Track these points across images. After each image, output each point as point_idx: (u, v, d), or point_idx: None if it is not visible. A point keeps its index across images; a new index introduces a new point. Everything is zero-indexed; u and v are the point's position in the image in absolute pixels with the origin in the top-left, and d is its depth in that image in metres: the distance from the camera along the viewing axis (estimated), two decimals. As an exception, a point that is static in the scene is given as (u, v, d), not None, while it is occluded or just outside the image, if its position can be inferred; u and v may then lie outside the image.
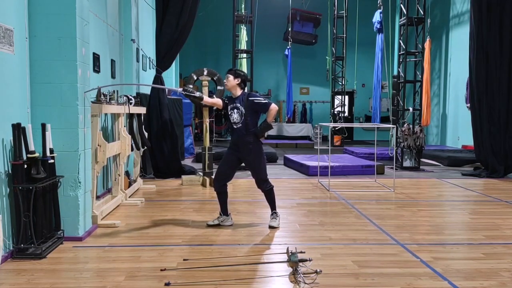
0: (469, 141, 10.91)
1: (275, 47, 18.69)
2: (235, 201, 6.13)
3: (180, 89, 4.83)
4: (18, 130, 3.81)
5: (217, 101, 5.02)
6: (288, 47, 16.32)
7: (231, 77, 4.85)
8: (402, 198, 6.78)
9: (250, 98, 4.81)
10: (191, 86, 5.02)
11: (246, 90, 5.00)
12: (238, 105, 4.80)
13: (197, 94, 4.81)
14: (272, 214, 5.02)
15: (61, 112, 4.27)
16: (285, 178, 8.31)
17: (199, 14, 8.55)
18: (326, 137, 17.40)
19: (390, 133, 10.28)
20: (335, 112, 16.13)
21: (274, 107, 4.78)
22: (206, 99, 5.04)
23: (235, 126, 4.85)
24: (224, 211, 5.02)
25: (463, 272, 3.64)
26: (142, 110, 7.22)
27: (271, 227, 4.92)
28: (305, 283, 3.33)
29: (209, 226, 4.97)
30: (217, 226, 4.97)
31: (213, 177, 7.56)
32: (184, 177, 7.77)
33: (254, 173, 4.94)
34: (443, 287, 3.36)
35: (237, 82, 4.85)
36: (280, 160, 10.82)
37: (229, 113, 4.87)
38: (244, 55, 11.05)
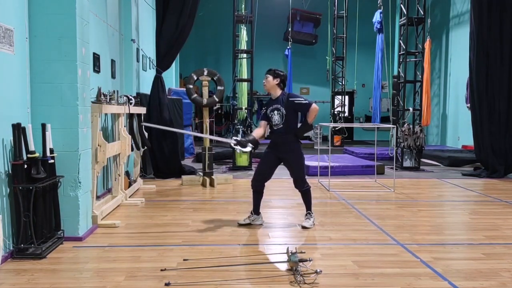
0: (469, 141, 10.90)
1: (275, 47, 18.68)
2: (235, 201, 6.13)
3: (233, 142, 4.72)
4: (18, 130, 3.81)
5: (264, 126, 4.91)
6: (288, 47, 16.31)
7: (270, 78, 4.81)
8: (402, 198, 6.78)
9: (291, 99, 4.77)
10: (244, 139, 4.84)
11: (285, 90, 4.94)
12: (279, 106, 4.76)
13: (249, 146, 4.67)
14: (306, 214, 5.01)
15: (61, 112, 4.26)
16: (285, 178, 8.28)
17: (199, 14, 8.55)
18: (326, 137, 17.40)
19: (390, 133, 10.28)
20: (335, 112, 16.13)
21: (315, 107, 4.73)
22: (259, 137, 4.87)
23: (275, 128, 4.82)
24: (256, 210, 5.02)
25: (463, 272, 3.64)
26: (142, 110, 7.21)
27: (303, 227, 4.90)
28: (305, 283, 3.33)
29: (240, 225, 4.96)
30: (217, 226, 4.96)
31: (213, 177, 7.60)
32: (184, 177, 7.78)
33: (293, 173, 4.91)
34: (443, 287, 3.36)
35: (277, 82, 4.81)
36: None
37: (269, 115, 4.82)
38: (244, 55, 11.04)
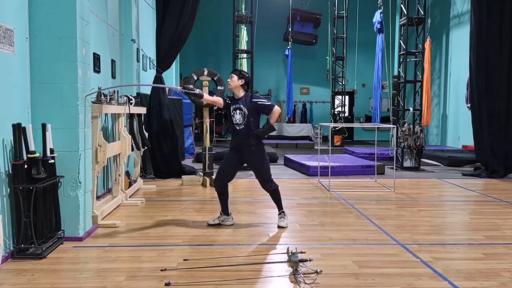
0: (470, 141, 10.90)
1: (275, 47, 18.68)
2: (235, 201, 6.13)
3: (180, 88, 4.83)
4: (18, 130, 3.81)
5: (217, 100, 4.99)
6: (288, 47, 16.32)
7: (235, 77, 4.84)
8: (402, 198, 6.78)
9: (254, 100, 4.81)
10: (191, 85, 5.03)
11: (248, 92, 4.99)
12: (241, 106, 4.79)
13: (197, 91, 4.81)
14: (279, 214, 5.02)
15: (61, 112, 4.27)
16: (285, 178, 8.30)
17: (199, 14, 8.54)
18: (326, 137, 17.40)
19: (391, 133, 10.28)
20: (335, 112, 16.13)
21: (277, 109, 4.78)
22: (207, 96, 5.02)
23: (237, 128, 4.83)
24: (225, 211, 5.03)
25: (463, 272, 3.64)
26: (142, 110, 7.22)
27: (279, 227, 4.91)
28: (306, 283, 3.33)
29: (209, 225, 4.97)
30: (218, 225, 4.97)
31: (213, 177, 7.59)
32: (184, 177, 7.77)
33: (257, 174, 4.95)
34: (443, 287, 3.36)
35: (241, 83, 4.84)
36: (280, 160, 10.83)
37: (232, 113, 4.85)
38: (244, 55, 11.05)
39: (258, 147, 4.86)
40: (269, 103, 4.85)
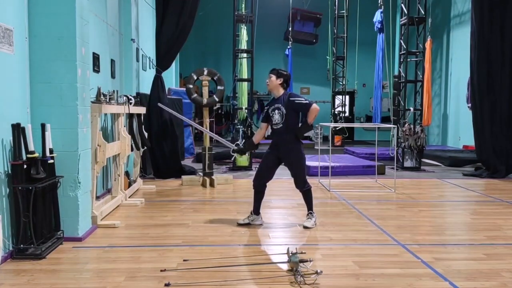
0: (470, 141, 10.88)
1: (276, 47, 18.66)
2: (235, 201, 6.12)
3: (234, 148, 5.09)
4: (17, 130, 3.80)
5: (264, 128, 5.09)
6: (288, 46, 16.29)
7: (273, 77, 4.86)
8: (403, 198, 6.76)
9: (291, 99, 4.80)
10: (239, 147, 5.26)
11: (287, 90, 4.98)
12: (280, 105, 4.79)
13: (249, 143, 4.98)
14: (307, 214, 5.01)
15: (60, 112, 4.26)
16: (286, 179, 8.27)
17: (199, 14, 8.54)
18: (326, 137, 17.37)
19: (391, 133, 10.25)
20: (336, 112, 16.11)
21: (315, 107, 4.76)
22: (256, 139, 5.12)
23: (275, 127, 4.85)
24: (256, 211, 5.02)
25: (464, 273, 3.63)
26: (142, 110, 7.20)
27: (305, 227, 4.90)
28: (306, 283, 3.32)
29: (239, 225, 4.96)
30: (217, 226, 4.95)
31: (213, 177, 7.58)
32: (184, 177, 7.76)
33: (293, 173, 4.92)
34: (444, 288, 3.35)
35: (280, 82, 4.85)
36: (280, 160, 10.80)
37: (271, 114, 4.86)
38: (245, 54, 11.02)
39: (296, 146, 4.84)
40: (307, 101, 4.81)
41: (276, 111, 4.81)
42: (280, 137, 4.84)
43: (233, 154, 4.84)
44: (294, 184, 4.96)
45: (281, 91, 4.87)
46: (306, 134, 5.12)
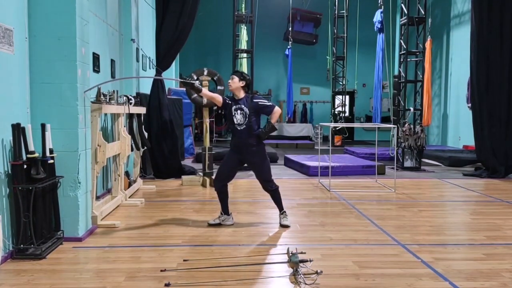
0: (470, 141, 10.88)
1: (276, 47, 18.68)
2: (235, 201, 6.11)
3: (178, 80, 4.86)
4: (17, 130, 3.80)
5: (216, 96, 5.01)
6: (288, 47, 16.31)
7: (236, 79, 4.88)
8: (403, 198, 6.76)
9: (255, 100, 4.86)
10: (191, 79, 5.08)
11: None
12: (242, 106, 4.82)
13: (196, 83, 4.84)
14: (281, 214, 5.03)
15: (60, 112, 4.26)
16: (286, 179, 8.29)
17: (199, 14, 8.54)
18: (326, 137, 17.37)
19: (391, 133, 10.26)
20: (336, 112, 16.11)
21: (278, 109, 4.85)
22: (205, 91, 5.08)
23: (238, 128, 4.84)
24: (225, 211, 5.03)
25: (464, 273, 3.63)
26: (142, 110, 7.21)
27: (283, 225, 4.93)
28: (306, 283, 3.32)
29: (210, 225, 4.96)
30: (218, 225, 4.96)
31: (213, 177, 7.57)
32: (184, 177, 7.76)
33: (258, 175, 4.97)
34: (444, 288, 3.35)
35: (242, 85, 4.88)
36: (280, 160, 10.81)
37: (233, 114, 4.86)
38: (244, 55, 11.04)
39: (259, 148, 4.88)
40: (270, 103, 4.92)
41: (239, 111, 4.82)
42: (242, 139, 4.84)
43: (188, 81, 4.82)
44: (261, 185, 5.01)
45: (242, 94, 4.89)
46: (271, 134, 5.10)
